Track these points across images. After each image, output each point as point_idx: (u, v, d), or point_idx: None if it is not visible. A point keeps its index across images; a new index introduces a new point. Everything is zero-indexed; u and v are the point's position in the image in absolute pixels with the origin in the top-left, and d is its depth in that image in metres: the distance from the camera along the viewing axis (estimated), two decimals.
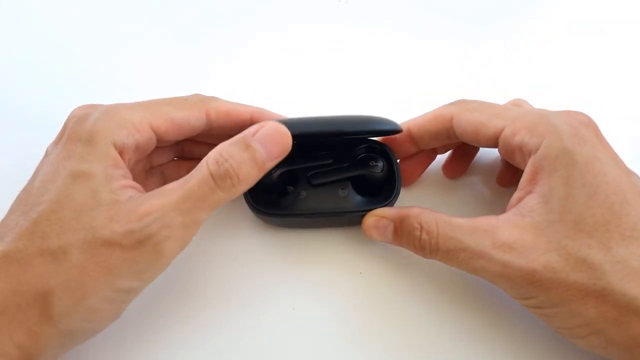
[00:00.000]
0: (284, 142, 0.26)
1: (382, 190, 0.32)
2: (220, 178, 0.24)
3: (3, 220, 0.25)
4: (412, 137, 0.32)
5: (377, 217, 0.30)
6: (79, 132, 0.26)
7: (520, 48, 0.46)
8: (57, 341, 0.23)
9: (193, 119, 0.29)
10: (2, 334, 0.22)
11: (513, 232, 0.24)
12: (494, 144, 0.28)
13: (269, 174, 0.31)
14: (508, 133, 0.27)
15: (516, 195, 0.27)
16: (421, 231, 0.27)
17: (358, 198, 0.32)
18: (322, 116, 0.30)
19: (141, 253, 0.23)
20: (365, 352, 0.29)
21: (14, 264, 0.22)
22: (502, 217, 0.26)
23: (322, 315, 0.31)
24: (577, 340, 0.25)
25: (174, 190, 0.25)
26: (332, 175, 0.32)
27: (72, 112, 0.28)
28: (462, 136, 0.30)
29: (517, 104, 0.32)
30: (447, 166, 0.36)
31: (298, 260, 0.33)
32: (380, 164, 0.32)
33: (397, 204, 0.32)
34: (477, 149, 0.35)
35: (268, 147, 0.26)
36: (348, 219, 0.32)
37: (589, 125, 0.26)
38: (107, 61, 0.46)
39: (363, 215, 0.31)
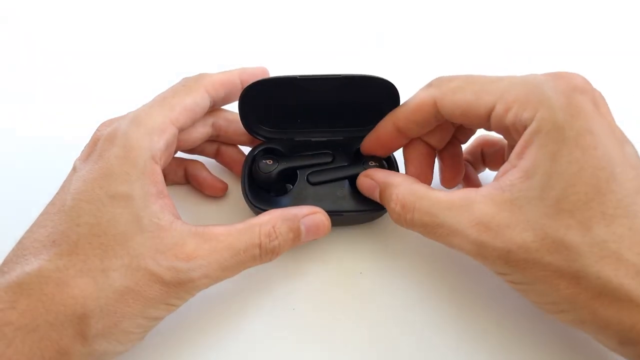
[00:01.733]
0: (324, 232, 0.30)
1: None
2: (265, 252, 0.27)
3: (31, 233, 0.25)
4: (399, 130, 0.30)
5: (368, 177, 0.30)
6: (114, 148, 0.26)
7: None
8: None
9: (199, 100, 0.30)
10: (33, 351, 0.22)
11: (490, 208, 0.24)
12: (487, 124, 0.27)
13: (268, 172, 0.31)
14: (500, 111, 0.25)
15: (502, 168, 0.26)
16: (397, 203, 0.27)
17: (357, 197, 0.32)
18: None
19: (178, 291, 0.25)
20: (366, 352, 0.29)
21: (49, 283, 0.23)
22: (482, 190, 0.25)
23: (322, 315, 0.30)
24: (550, 314, 0.25)
25: (223, 241, 0.26)
26: (331, 174, 0.32)
27: (98, 128, 0.29)
28: (451, 119, 0.28)
29: None
30: (442, 176, 0.34)
31: (298, 259, 0.33)
32: (379, 163, 0.32)
33: None
34: (460, 148, 0.34)
35: (310, 233, 0.29)
36: (347, 219, 0.32)
37: (585, 90, 0.24)
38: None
39: (361, 215, 0.31)
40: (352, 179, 0.32)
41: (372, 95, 0.30)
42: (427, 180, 0.32)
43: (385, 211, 0.31)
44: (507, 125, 0.25)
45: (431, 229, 0.26)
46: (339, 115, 0.33)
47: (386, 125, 0.30)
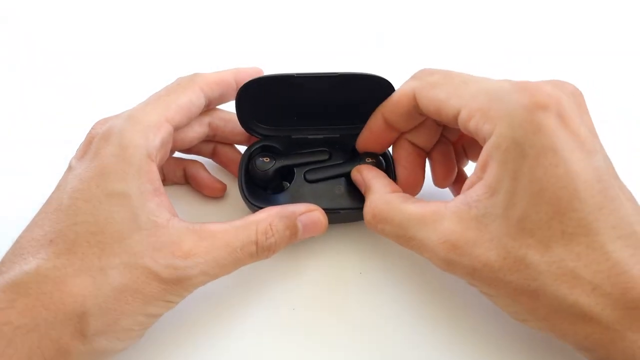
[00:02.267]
0: (321, 230, 0.30)
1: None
2: (262, 249, 0.27)
3: (29, 232, 0.25)
4: (388, 124, 0.30)
5: (359, 173, 0.31)
6: (109, 146, 0.26)
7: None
8: (86, 358, 0.24)
9: (195, 99, 0.30)
10: (33, 350, 0.22)
11: (457, 226, 0.24)
12: (456, 126, 0.27)
13: (265, 170, 0.31)
14: (464, 116, 0.25)
15: (470, 179, 0.26)
16: (368, 212, 0.28)
17: (354, 195, 0.31)
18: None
19: (176, 288, 0.25)
20: (366, 352, 0.29)
21: (48, 282, 0.23)
22: (451, 205, 0.25)
23: (322, 315, 0.30)
24: (516, 320, 0.25)
25: (221, 238, 0.26)
26: (328, 171, 0.32)
27: (93, 127, 0.29)
28: (427, 114, 0.28)
29: None
30: (433, 176, 0.34)
31: (297, 259, 0.33)
32: (376, 160, 0.32)
33: None
34: (451, 148, 0.33)
35: (307, 230, 0.29)
36: (344, 216, 0.32)
37: (548, 104, 0.23)
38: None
39: (358, 213, 0.31)
40: (349, 177, 0.32)
41: (369, 93, 0.30)
42: (417, 181, 0.32)
43: None
44: (469, 131, 0.25)
45: (403, 240, 0.26)
46: (335, 113, 0.33)
47: (376, 119, 0.31)
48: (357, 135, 0.33)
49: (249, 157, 0.32)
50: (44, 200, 0.27)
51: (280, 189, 0.32)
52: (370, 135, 0.31)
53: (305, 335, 0.29)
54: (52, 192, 0.27)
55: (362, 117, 0.32)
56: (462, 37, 0.49)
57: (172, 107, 0.28)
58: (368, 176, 0.30)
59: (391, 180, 0.30)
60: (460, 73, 0.27)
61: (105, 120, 0.29)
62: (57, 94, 0.44)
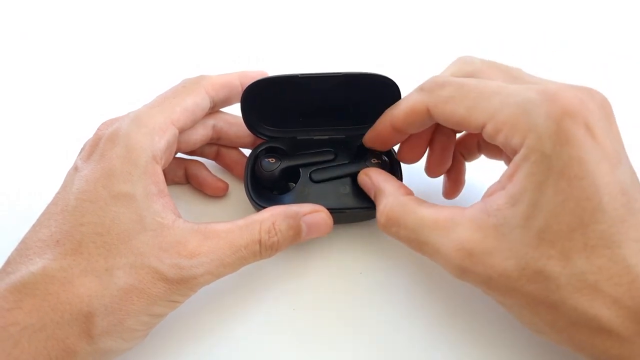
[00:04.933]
0: (325, 230, 0.30)
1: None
2: (265, 248, 0.28)
3: (35, 233, 0.25)
4: (396, 129, 0.30)
5: (368, 176, 0.30)
6: (115, 148, 0.26)
7: None
8: (92, 358, 0.24)
9: (200, 101, 0.30)
10: (40, 350, 0.22)
11: (474, 234, 0.24)
12: (481, 137, 0.27)
13: (270, 171, 0.31)
14: (490, 130, 0.25)
15: (492, 187, 0.26)
16: (382, 214, 0.27)
17: (359, 194, 0.31)
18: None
19: (181, 288, 0.25)
20: (366, 352, 0.29)
21: (54, 282, 0.23)
22: (468, 211, 0.25)
23: (322, 315, 0.30)
24: (531, 332, 0.25)
25: (225, 237, 0.26)
26: (333, 171, 0.32)
27: (99, 127, 0.29)
28: (445, 125, 0.28)
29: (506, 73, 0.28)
30: (426, 164, 0.34)
31: (298, 259, 0.33)
32: (381, 160, 0.32)
33: None
34: (454, 139, 0.33)
35: (311, 231, 0.29)
36: (349, 216, 0.32)
37: (576, 113, 0.22)
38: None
39: (364, 212, 0.31)
40: (355, 177, 0.32)
41: (374, 93, 0.30)
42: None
43: None
44: (497, 144, 0.25)
45: (416, 245, 0.26)
46: (340, 113, 0.33)
47: (384, 124, 0.30)
48: (362, 135, 0.32)
49: (254, 158, 0.32)
50: (48, 199, 0.26)
51: (286, 190, 0.32)
52: (378, 137, 0.31)
53: (305, 335, 0.30)
54: (57, 192, 0.26)
55: (367, 118, 0.32)
56: (468, 37, 0.49)
57: (178, 110, 0.28)
58: (378, 179, 0.30)
59: (402, 183, 0.30)
60: (471, 83, 0.26)
61: (112, 121, 0.29)
62: (62, 93, 0.43)
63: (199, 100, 0.30)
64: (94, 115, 0.31)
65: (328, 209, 0.30)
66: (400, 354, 0.29)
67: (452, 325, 0.30)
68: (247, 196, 0.31)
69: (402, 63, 0.46)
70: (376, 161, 0.32)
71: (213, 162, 0.37)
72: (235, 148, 0.36)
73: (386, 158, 0.33)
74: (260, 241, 0.27)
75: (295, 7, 0.52)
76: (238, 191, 0.36)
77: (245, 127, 0.33)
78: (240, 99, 0.31)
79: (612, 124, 0.24)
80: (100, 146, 0.26)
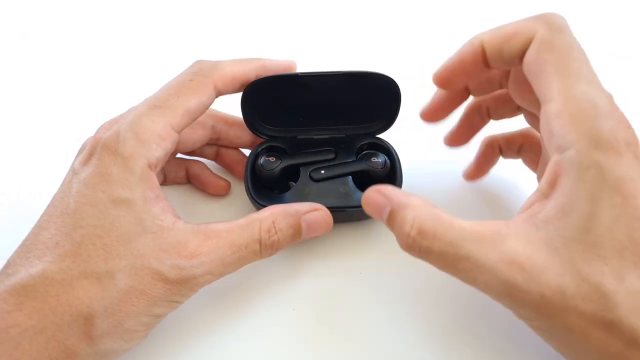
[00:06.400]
0: (325, 229, 0.30)
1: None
2: (265, 247, 0.27)
3: (35, 235, 0.25)
4: (484, 55, 0.27)
5: (380, 193, 0.26)
6: (112, 155, 0.26)
7: None
8: (92, 359, 0.24)
9: (205, 100, 0.29)
10: (41, 352, 0.22)
11: (524, 247, 0.22)
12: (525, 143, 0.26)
13: (271, 169, 0.31)
14: (553, 110, 0.23)
15: (532, 197, 0.24)
16: (412, 227, 0.24)
17: (359, 194, 0.31)
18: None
19: (181, 288, 0.25)
20: (366, 352, 0.29)
21: (54, 285, 0.23)
22: (513, 224, 0.23)
23: (322, 315, 0.30)
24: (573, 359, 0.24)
25: (225, 237, 0.26)
26: (334, 170, 0.32)
27: (97, 130, 0.28)
28: (525, 71, 0.25)
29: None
30: (452, 134, 0.33)
31: (298, 259, 0.33)
32: (381, 159, 0.32)
33: None
34: (484, 123, 0.33)
35: (311, 229, 0.29)
36: (350, 214, 0.32)
37: (633, 142, 0.22)
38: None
39: (364, 212, 0.31)
40: (355, 175, 0.32)
41: (374, 92, 0.31)
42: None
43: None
44: (547, 124, 0.24)
45: (451, 261, 0.23)
46: (341, 113, 0.33)
47: (473, 45, 0.27)
48: (362, 135, 0.33)
49: (254, 157, 0.32)
50: (48, 199, 0.26)
51: (287, 189, 0.32)
52: (460, 63, 0.27)
53: (305, 335, 0.29)
54: (56, 194, 0.26)
55: (366, 117, 0.32)
56: (468, 36, 0.49)
57: (180, 113, 0.28)
58: (396, 194, 0.26)
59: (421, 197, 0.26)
60: (579, 56, 0.24)
61: (110, 124, 0.28)
62: (62, 93, 0.43)
63: (204, 99, 0.28)
64: (93, 115, 0.31)
65: (328, 208, 0.30)
66: (400, 353, 0.29)
67: (452, 326, 0.30)
68: (248, 195, 0.31)
69: (402, 62, 0.46)
70: (376, 160, 0.32)
71: (213, 162, 0.37)
72: (235, 148, 0.36)
73: (387, 158, 0.33)
74: (260, 240, 0.27)
75: (296, 6, 0.52)
76: (239, 191, 0.36)
77: (245, 128, 0.33)
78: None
79: None
80: (97, 151, 0.26)
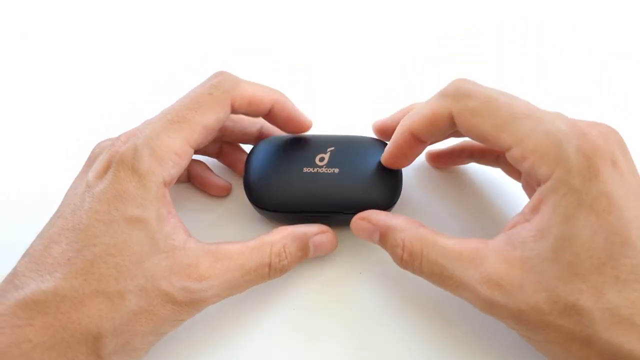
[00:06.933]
0: (330, 249, 0.31)
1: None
2: (274, 271, 0.28)
3: (44, 247, 0.25)
4: (417, 138, 0.29)
5: (365, 220, 0.29)
6: (128, 170, 0.25)
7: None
8: None
9: (222, 116, 0.28)
10: None
11: (501, 266, 0.23)
12: (503, 156, 0.26)
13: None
14: (517, 155, 0.25)
15: (515, 219, 0.26)
16: (403, 250, 0.27)
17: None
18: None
19: (188, 309, 0.26)
20: (365, 352, 0.29)
21: (66, 302, 0.23)
22: (493, 244, 0.24)
23: (322, 315, 0.30)
24: None
25: (236, 259, 0.27)
26: None
27: (113, 143, 0.27)
28: (466, 136, 0.27)
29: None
30: (436, 156, 0.34)
31: None
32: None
33: (400, 202, 0.32)
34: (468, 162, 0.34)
35: (317, 250, 0.30)
36: (349, 218, 0.32)
37: (605, 150, 0.23)
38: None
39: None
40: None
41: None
42: (404, 163, 0.31)
43: (390, 209, 0.31)
44: (521, 169, 0.25)
45: (439, 279, 0.26)
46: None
47: (403, 134, 0.29)
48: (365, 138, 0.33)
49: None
50: (49, 200, 0.26)
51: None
52: (397, 150, 0.30)
53: (305, 335, 0.30)
54: (66, 206, 0.26)
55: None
56: (468, 37, 0.49)
57: (197, 129, 0.27)
58: (381, 218, 0.28)
59: (409, 217, 0.29)
60: (500, 99, 0.25)
61: (127, 137, 0.27)
62: (62, 93, 0.43)
63: (222, 116, 0.28)
64: (93, 115, 0.31)
65: (327, 211, 0.30)
66: (400, 354, 0.29)
67: (451, 325, 0.30)
68: (247, 196, 0.31)
69: (402, 69, 0.46)
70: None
71: (215, 160, 0.37)
72: (237, 145, 0.36)
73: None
74: (270, 264, 0.28)
75: (298, 7, 0.52)
76: (239, 190, 0.36)
77: (251, 123, 0.33)
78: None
79: (630, 160, 0.24)
80: (113, 166, 0.26)
